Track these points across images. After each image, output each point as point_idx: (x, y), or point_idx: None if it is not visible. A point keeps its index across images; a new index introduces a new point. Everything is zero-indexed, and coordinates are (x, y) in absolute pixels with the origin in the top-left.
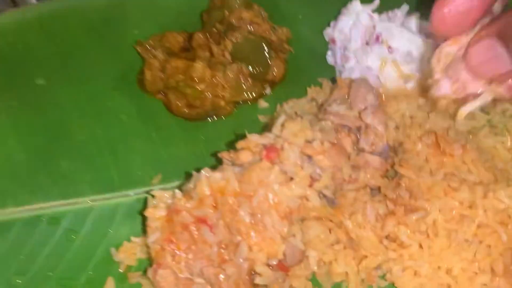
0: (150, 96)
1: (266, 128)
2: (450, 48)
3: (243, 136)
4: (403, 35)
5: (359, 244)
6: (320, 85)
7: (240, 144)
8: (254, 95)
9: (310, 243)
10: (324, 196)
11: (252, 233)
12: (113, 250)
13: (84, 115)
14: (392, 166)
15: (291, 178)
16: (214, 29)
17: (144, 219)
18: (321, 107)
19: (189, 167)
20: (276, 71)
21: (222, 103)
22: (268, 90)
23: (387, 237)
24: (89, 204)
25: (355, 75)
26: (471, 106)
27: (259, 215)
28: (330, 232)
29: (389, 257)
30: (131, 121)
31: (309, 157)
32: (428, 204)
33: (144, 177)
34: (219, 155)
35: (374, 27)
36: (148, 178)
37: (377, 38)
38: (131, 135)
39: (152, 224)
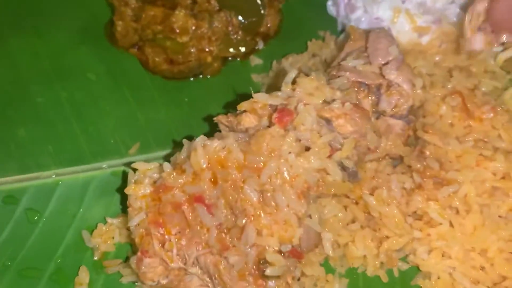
0: (122, 51)
1: (263, 89)
2: (480, 6)
3: (241, 97)
4: None
5: (380, 223)
6: (322, 39)
7: (243, 105)
8: (245, 50)
9: (325, 223)
10: (345, 168)
11: (262, 214)
12: (85, 233)
13: (43, 74)
14: (415, 131)
15: (307, 148)
16: None
17: (123, 197)
18: (329, 65)
19: (172, 134)
20: (270, 22)
21: (209, 58)
22: (261, 45)
23: (411, 214)
24: (53, 178)
25: (363, 27)
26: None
27: (269, 193)
28: (345, 210)
29: (413, 237)
30: (101, 81)
31: (328, 121)
32: (459, 176)
33: (119, 146)
34: (216, 119)
35: None
36: (124, 147)
37: None
38: (101, 97)
39: (134, 203)
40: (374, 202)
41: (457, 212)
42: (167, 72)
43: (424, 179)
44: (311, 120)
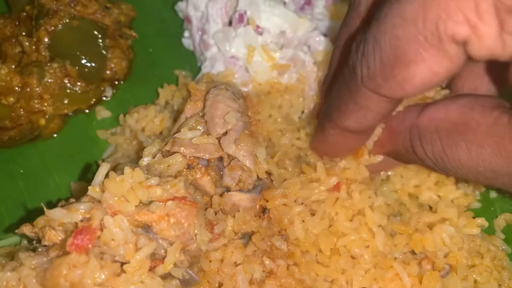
0: None
1: (110, 149)
2: None
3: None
4: (273, 11)
5: None
6: (176, 80)
7: (40, 221)
8: (89, 101)
9: None
10: (175, 277)
11: None
12: None
13: None
14: (266, 200)
15: (122, 264)
16: (24, 14)
17: None
18: (175, 120)
19: (4, 219)
20: (115, 65)
21: (42, 121)
22: (109, 92)
23: None
24: None
25: (219, 67)
26: None
27: None
28: None
29: None
30: None
31: (147, 227)
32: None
33: None
34: (18, 231)
35: (237, 1)
36: None
37: (241, 18)
38: None
39: None
40: None
41: None
42: None
43: (277, 263)
44: (122, 234)
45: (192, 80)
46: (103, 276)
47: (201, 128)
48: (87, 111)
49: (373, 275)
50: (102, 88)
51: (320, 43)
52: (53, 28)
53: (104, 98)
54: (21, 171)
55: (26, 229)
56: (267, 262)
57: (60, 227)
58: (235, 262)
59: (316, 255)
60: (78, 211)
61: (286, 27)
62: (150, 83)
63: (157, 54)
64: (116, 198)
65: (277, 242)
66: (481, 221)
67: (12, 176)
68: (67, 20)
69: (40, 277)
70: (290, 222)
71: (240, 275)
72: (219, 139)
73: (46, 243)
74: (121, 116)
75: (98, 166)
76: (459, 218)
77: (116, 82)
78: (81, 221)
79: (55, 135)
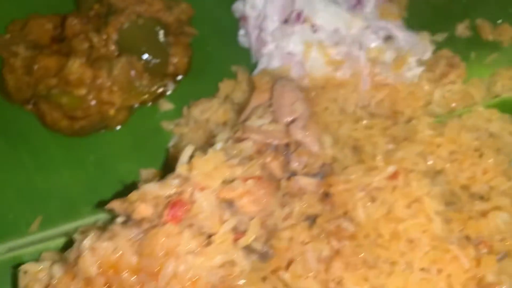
0: (17, 107)
1: (174, 140)
2: None
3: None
4: (328, 9)
5: None
6: (235, 76)
7: (133, 195)
8: (153, 94)
9: None
10: (254, 250)
11: None
12: None
13: None
14: (329, 186)
15: (209, 236)
16: (92, 12)
17: None
18: (239, 114)
19: (77, 202)
20: (177, 61)
21: (112, 111)
22: (170, 87)
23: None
24: None
25: (275, 63)
26: None
27: None
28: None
29: None
30: None
31: (230, 203)
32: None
33: (18, 222)
34: (108, 207)
35: (292, 1)
36: (24, 222)
37: (298, 17)
38: None
39: None
40: (289, 279)
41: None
42: (67, 129)
43: (342, 243)
44: (210, 207)
45: (249, 75)
46: (194, 246)
47: (268, 116)
48: (150, 103)
49: (432, 257)
50: (165, 82)
51: (372, 41)
52: (121, 25)
53: (166, 92)
54: (91, 158)
55: (116, 204)
56: (334, 242)
57: (150, 203)
58: (302, 241)
59: (375, 239)
60: (170, 186)
61: (340, 25)
62: (208, 78)
63: (214, 51)
64: (203, 176)
65: (344, 223)
66: None
67: (83, 163)
68: (134, 18)
69: (135, 246)
70: (353, 207)
71: (309, 253)
72: (286, 126)
73: (136, 216)
74: (185, 108)
75: (167, 153)
76: None
77: (177, 77)
78: (173, 195)
79: (122, 126)
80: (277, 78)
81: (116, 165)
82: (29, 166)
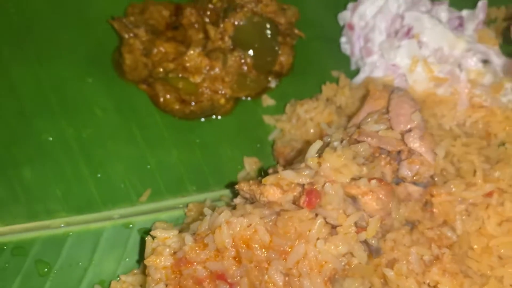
0: (130, 85)
1: (275, 134)
2: None
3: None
4: (435, 28)
5: None
6: (336, 80)
7: (268, 180)
8: (258, 89)
9: None
10: (369, 245)
11: None
12: None
13: (48, 107)
14: (431, 196)
15: (333, 227)
16: (210, 5)
17: (141, 257)
18: (348, 118)
19: (183, 180)
20: (283, 60)
21: (223, 100)
22: (273, 83)
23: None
24: (63, 229)
25: (379, 73)
26: None
27: (296, 278)
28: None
29: None
30: (108, 117)
31: (354, 198)
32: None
33: (129, 192)
34: (237, 187)
35: (401, 16)
36: (135, 193)
37: (408, 32)
38: (109, 135)
39: (153, 274)
40: (393, 276)
41: None
42: (179, 112)
43: (442, 250)
44: (338, 200)
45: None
46: (325, 233)
47: (384, 123)
48: (252, 97)
49: None
50: (269, 79)
51: (473, 63)
52: (238, 21)
53: (269, 89)
54: (197, 141)
55: (244, 185)
56: (435, 248)
57: (280, 188)
58: (404, 244)
59: (466, 251)
60: (305, 175)
61: (444, 44)
62: (308, 79)
63: (315, 54)
64: (333, 170)
65: (448, 232)
66: None
67: (190, 144)
68: (250, 16)
69: (269, 225)
70: (453, 218)
71: (414, 256)
72: (402, 134)
73: (266, 198)
74: (288, 105)
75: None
76: None
77: (281, 76)
78: (307, 184)
79: (228, 115)
80: (394, 88)
81: (219, 150)
82: (140, 141)
